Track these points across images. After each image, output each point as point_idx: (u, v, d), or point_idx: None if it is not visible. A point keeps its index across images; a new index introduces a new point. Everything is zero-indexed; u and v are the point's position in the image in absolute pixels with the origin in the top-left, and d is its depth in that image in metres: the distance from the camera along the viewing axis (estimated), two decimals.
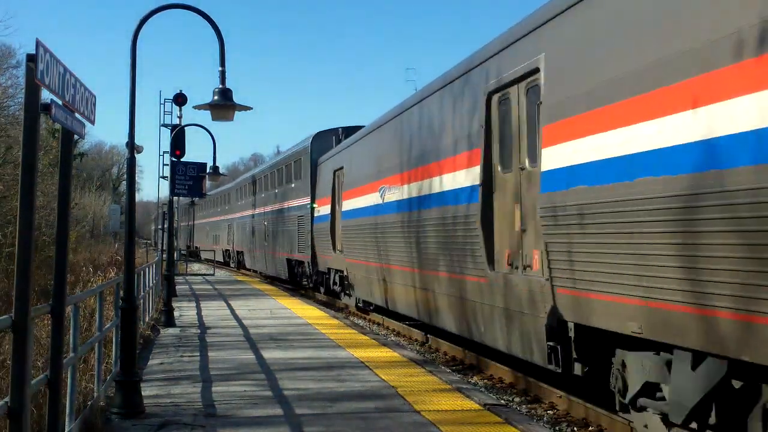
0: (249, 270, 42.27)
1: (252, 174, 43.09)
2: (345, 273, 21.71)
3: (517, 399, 10.76)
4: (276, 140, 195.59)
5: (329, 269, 24.36)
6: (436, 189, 13.43)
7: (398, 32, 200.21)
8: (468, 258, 11.82)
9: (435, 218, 13.39)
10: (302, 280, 29.29)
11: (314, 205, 25.90)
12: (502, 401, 10.01)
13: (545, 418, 9.66)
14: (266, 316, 18.48)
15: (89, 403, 8.08)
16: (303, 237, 27.16)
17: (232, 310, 19.80)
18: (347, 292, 22.03)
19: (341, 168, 22.21)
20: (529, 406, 10.38)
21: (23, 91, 5.09)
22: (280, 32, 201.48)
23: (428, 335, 16.07)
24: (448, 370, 12.27)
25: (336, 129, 26.64)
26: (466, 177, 11.83)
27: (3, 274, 20.20)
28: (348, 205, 20.84)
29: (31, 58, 4.84)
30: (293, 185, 29.63)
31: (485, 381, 12.11)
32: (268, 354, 12.33)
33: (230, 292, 26.74)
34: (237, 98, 8.72)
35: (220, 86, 8.59)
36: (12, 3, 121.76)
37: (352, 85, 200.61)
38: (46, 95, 5.15)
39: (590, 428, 9.16)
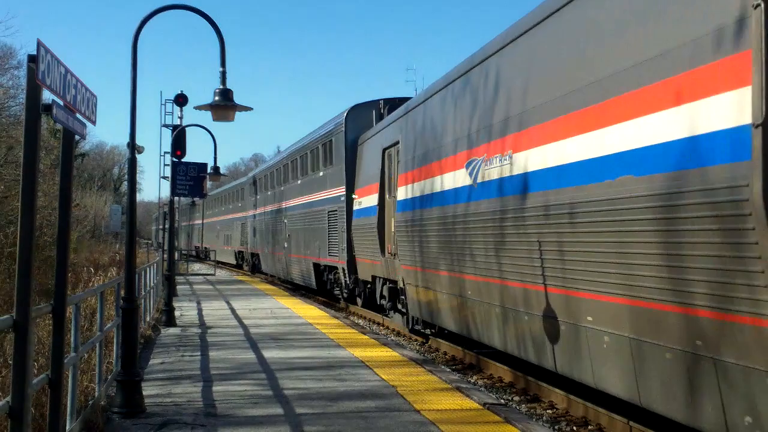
0: (266, 275, 37.55)
1: (269, 164, 37.28)
2: (401, 285, 16.36)
3: (516, 398, 10.80)
4: (276, 140, 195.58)
5: (375, 278, 19.21)
6: (614, 147, 7.68)
7: (398, 33, 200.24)
8: (721, 277, 6.22)
9: (607, 200, 7.72)
10: (334, 290, 24.22)
11: (353, 196, 20.81)
12: (502, 400, 10.06)
13: (545, 417, 9.70)
14: (266, 315, 18.52)
15: (90, 402, 8.12)
16: (335, 237, 22.22)
17: (233, 310, 19.84)
18: (401, 309, 16.99)
19: (395, 144, 16.98)
20: (528, 405, 10.41)
21: (24, 91, 5.11)
22: (281, 32, 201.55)
23: (429, 336, 16.07)
24: (448, 370, 12.31)
25: (376, 102, 21.77)
26: (707, 114, 6.34)
27: (5, 274, 20.23)
28: (407, 192, 15.45)
29: (33, 59, 4.87)
30: (321, 173, 24.51)
31: (485, 380, 12.15)
32: (269, 353, 12.36)
33: (231, 291, 26.79)
34: (237, 98, 8.75)
35: (221, 87, 8.62)
36: (13, 3, 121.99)
37: (352, 86, 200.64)
38: (47, 96, 5.18)
39: (590, 427, 9.19)
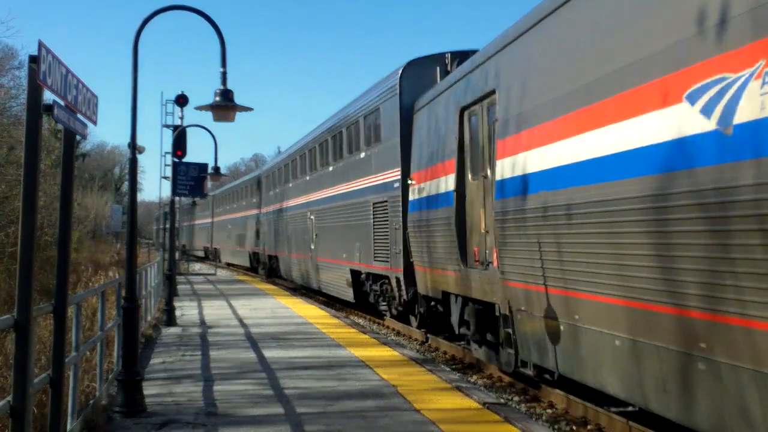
0: (285, 280, 32.48)
1: (291, 151, 31.26)
2: (504, 311, 10.61)
3: (516, 398, 10.82)
4: (276, 140, 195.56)
5: (448, 295, 13.58)
6: None
7: (398, 32, 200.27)
8: None
9: None
10: (379, 305, 18.91)
11: (409, 181, 15.43)
12: (502, 400, 10.07)
13: (544, 417, 9.72)
14: (267, 315, 18.55)
15: (91, 401, 8.14)
16: (384, 237, 17.04)
17: (233, 310, 19.88)
18: (502, 343, 11.02)
19: (485, 96, 11.39)
20: (528, 404, 10.44)
21: (25, 92, 5.15)
22: (281, 32, 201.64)
23: (428, 334, 16.08)
24: (448, 369, 12.32)
25: (440, 55, 16.23)
26: None
27: (5, 274, 20.27)
28: (520, 165, 9.74)
29: (34, 59, 4.90)
30: (363, 155, 19.24)
31: (485, 380, 12.17)
32: (269, 353, 12.39)
33: (231, 291, 26.82)
34: (238, 98, 8.78)
35: (222, 87, 8.65)
36: (14, 3, 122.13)
37: (352, 86, 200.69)
38: (48, 96, 5.21)
39: (589, 426, 9.21)
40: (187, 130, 20.40)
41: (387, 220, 16.94)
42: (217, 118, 8.87)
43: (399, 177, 16.14)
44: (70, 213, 6.00)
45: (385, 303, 18.39)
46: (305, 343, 13.64)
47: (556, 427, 9.26)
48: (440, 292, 13.87)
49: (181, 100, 21.51)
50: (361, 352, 12.40)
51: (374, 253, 17.87)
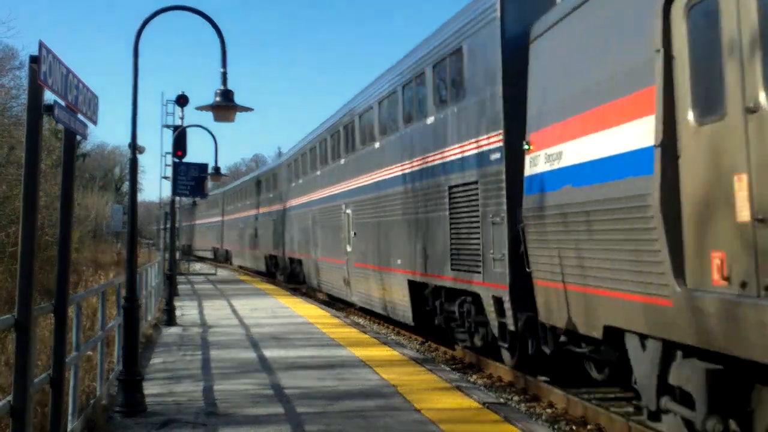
0: (302, 284, 28.63)
1: (320, 131, 24.67)
2: None
3: (516, 397, 10.83)
4: (277, 141, 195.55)
5: (621, 334, 8.18)
6: None
7: (400, 34, 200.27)
8: None
9: None
10: (456, 332, 13.85)
11: (525, 147, 10.39)
12: (501, 399, 10.08)
13: (544, 417, 9.73)
14: (267, 314, 18.56)
15: (92, 401, 8.16)
16: (469, 235, 12.26)
17: (234, 309, 19.89)
18: None
19: None
20: (528, 404, 10.45)
21: (26, 92, 5.16)
22: (281, 33, 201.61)
23: (428, 339, 16.06)
24: (448, 369, 12.32)
25: None
26: None
27: (6, 274, 20.29)
28: None
29: (34, 60, 4.91)
30: (431, 120, 14.00)
31: (484, 379, 12.18)
32: (269, 353, 12.40)
33: (232, 291, 26.83)
34: (238, 99, 8.80)
35: (222, 87, 8.67)
36: (14, 3, 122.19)
37: (353, 86, 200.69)
38: (48, 96, 5.22)
39: (588, 426, 9.22)
40: (188, 130, 20.45)
41: (476, 211, 11.91)
42: (218, 119, 8.89)
43: (501, 144, 11.13)
44: (70, 213, 6.01)
45: (463, 330, 13.34)
46: (305, 342, 13.65)
47: (555, 426, 9.27)
48: (600, 327, 8.51)
49: (182, 101, 21.53)
50: (361, 351, 12.41)
51: (452, 260, 12.95)
